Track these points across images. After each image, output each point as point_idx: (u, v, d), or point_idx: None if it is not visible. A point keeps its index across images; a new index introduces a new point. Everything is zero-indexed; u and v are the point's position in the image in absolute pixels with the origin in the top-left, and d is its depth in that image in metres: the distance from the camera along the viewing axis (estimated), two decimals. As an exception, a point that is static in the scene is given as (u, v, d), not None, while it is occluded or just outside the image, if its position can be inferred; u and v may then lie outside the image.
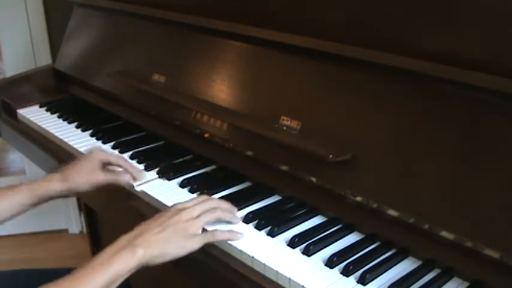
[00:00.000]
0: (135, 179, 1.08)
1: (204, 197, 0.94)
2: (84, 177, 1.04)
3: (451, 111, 0.84)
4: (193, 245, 0.84)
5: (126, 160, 1.12)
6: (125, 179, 1.07)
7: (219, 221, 0.91)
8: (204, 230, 0.88)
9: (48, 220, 2.49)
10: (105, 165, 1.08)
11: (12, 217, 1.02)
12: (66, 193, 1.05)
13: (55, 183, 1.03)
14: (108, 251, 0.79)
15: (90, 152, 1.10)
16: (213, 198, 0.95)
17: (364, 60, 0.93)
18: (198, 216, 0.87)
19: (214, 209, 0.90)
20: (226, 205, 0.93)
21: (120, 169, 1.09)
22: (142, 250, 0.79)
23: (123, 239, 0.81)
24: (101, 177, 1.05)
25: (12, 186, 1.03)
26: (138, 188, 1.06)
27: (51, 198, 1.04)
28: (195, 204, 0.89)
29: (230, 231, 0.89)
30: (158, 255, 0.81)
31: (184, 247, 0.83)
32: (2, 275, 1.09)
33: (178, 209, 0.87)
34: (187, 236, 0.84)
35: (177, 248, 0.83)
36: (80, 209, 2.44)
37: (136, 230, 0.83)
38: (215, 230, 0.88)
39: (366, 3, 0.96)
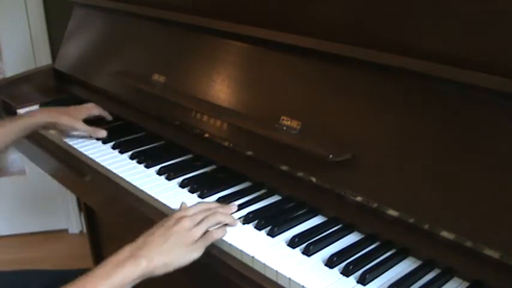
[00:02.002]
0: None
1: (203, 204, 0.94)
2: (69, 120, 1.27)
3: (451, 111, 0.84)
4: (197, 253, 0.85)
5: (101, 109, 1.35)
6: (98, 135, 1.29)
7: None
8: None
9: (48, 220, 2.50)
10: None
11: (7, 147, 1.25)
12: (47, 125, 1.29)
13: (44, 117, 1.26)
14: (111, 261, 0.79)
15: (78, 107, 1.34)
16: (211, 204, 0.95)
17: (364, 60, 0.93)
18: (199, 223, 0.87)
19: (214, 214, 0.90)
20: (224, 209, 0.94)
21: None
22: (145, 261, 0.80)
23: (126, 250, 0.81)
24: (81, 126, 1.29)
25: (9, 120, 1.26)
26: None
27: (37, 127, 1.28)
28: (196, 212, 0.89)
29: (221, 227, 0.90)
30: (162, 266, 0.82)
31: (188, 256, 0.84)
32: (2, 275, 1.10)
33: (179, 217, 0.87)
34: (190, 245, 0.85)
35: (180, 257, 0.84)
36: (80, 209, 2.44)
37: (139, 241, 0.83)
38: (211, 231, 0.88)
39: (366, 3, 0.96)
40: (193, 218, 0.87)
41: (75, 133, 1.31)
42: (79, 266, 0.80)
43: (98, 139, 1.30)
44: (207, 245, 0.87)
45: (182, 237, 0.84)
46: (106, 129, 1.35)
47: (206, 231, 0.88)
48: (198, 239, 0.86)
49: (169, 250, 0.83)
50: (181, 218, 0.87)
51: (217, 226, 0.90)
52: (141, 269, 0.79)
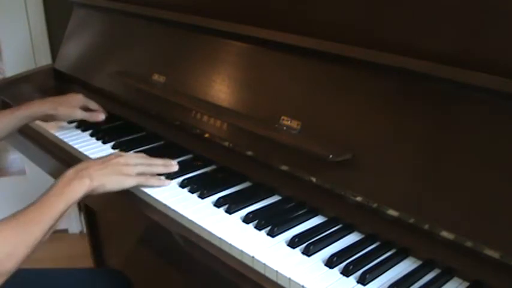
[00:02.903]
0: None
1: (142, 154, 1.10)
2: (66, 110, 1.32)
3: (451, 111, 0.84)
4: (128, 182, 1.01)
5: (101, 109, 1.38)
6: (97, 118, 1.34)
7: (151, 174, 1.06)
8: None
9: (48, 220, 2.49)
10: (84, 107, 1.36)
11: (4, 137, 1.30)
12: (46, 118, 1.32)
13: (43, 107, 1.30)
14: (60, 183, 0.93)
15: (75, 94, 1.37)
16: (154, 158, 1.09)
17: (364, 60, 0.93)
18: (135, 164, 1.03)
19: (149, 164, 1.06)
20: (161, 161, 1.09)
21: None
22: (88, 180, 0.95)
23: (70, 173, 0.95)
24: (78, 113, 1.33)
25: (9, 111, 1.29)
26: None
27: (35, 119, 1.32)
28: (133, 156, 1.07)
29: (158, 178, 1.06)
30: (99, 186, 0.96)
31: (120, 183, 1.00)
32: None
33: (117, 154, 1.07)
34: (123, 175, 1.00)
35: (114, 182, 0.99)
36: (80, 209, 2.44)
37: (82, 165, 0.98)
38: (147, 176, 1.04)
39: (366, 3, 0.96)
40: (130, 157, 1.05)
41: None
42: (79, 266, 0.81)
43: (98, 140, 1.30)
44: (140, 183, 1.02)
45: (118, 168, 1.00)
46: (106, 129, 1.36)
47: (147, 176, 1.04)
48: (133, 174, 1.01)
49: (106, 174, 0.98)
50: (120, 155, 1.05)
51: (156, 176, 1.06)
52: (85, 186, 0.94)
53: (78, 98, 1.37)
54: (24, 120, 1.30)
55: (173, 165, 1.10)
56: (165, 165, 1.09)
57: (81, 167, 0.98)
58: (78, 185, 0.94)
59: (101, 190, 0.98)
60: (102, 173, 0.98)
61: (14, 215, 0.87)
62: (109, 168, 1.00)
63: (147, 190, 1.05)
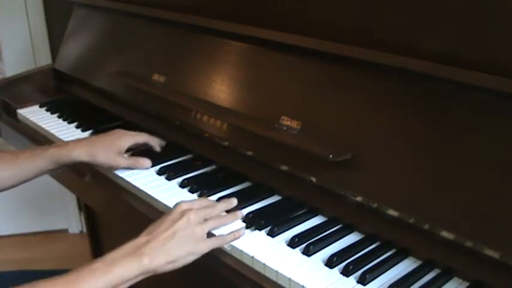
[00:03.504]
0: (156, 147, 1.16)
1: (208, 200, 0.94)
2: (108, 158, 1.08)
3: (451, 111, 0.84)
4: (202, 250, 0.84)
5: (151, 136, 1.17)
6: (143, 165, 1.11)
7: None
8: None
9: (48, 220, 2.50)
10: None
11: (32, 179, 1.10)
12: (82, 164, 1.09)
13: (80, 155, 1.07)
14: (111, 256, 0.77)
15: (121, 133, 1.13)
16: (216, 202, 0.95)
17: (364, 60, 0.93)
18: (206, 220, 0.86)
19: (219, 217, 0.90)
20: (225, 204, 0.94)
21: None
22: (148, 259, 0.78)
23: (128, 247, 0.79)
24: (121, 162, 1.09)
25: (35, 151, 1.08)
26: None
27: (68, 165, 1.09)
28: (201, 207, 0.88)
29: (232, 232, 0.89)
30: (165, 264, 0.80)
31: (193, 253, 0.83)
32: (2, 275, 1.10)
33: (183, 210, 0.85)
34: (195, 241, 0.83)
35: (185, 254, 0.82)
36: (80, 209, 2.44)
37: (142, 238, 0.81)
38: (222, 236, 0.88)
39: (366, 3, 0.96)
40: (198, 212, 0.86)
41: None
42: (79, 266, 0.80)
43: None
44: (215, 247, 0.86)
45: (188, 233, 0.82)
46: (106, 129, 1.35)
47: (221, 235, 0.88)
48: (205, 236, 0.85)
49: (175, 247, 0.80)
50: (187, 211, 0.85)
51: (228, 232, 0.89)
52: (143, 266, 0.77)
53: (123, 140, 1.12)
54: (59, 164, 1.08)
55: (234, 203, 0.95)
56: (232, 216, 0.92)
57: (142, 241, 0.80)
58: (133, 264, 0.76)
59: (170, 268, 0.81)
60: (169, 247, 0.80)
61: (36, 285, 0.73)
62: (178, 236, 0.81)
63: (146, 190, 1.05)
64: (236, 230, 0.89)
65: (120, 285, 0.76)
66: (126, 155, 1.13)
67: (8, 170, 1.07)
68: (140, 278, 0.79)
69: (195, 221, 0.84)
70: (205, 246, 0.84)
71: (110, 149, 1.09)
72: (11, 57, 2.23)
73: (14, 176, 1.08)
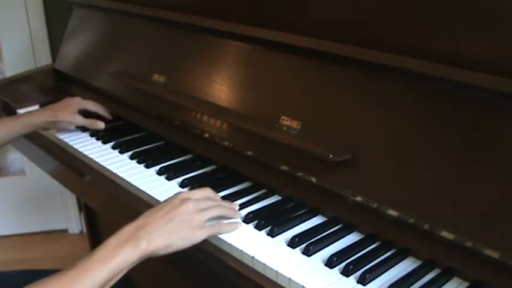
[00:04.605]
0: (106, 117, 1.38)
1: (208, 189, 0.94)
2: (67, 116, 1.32)
3: (451, 111, 0.84)
4: (198, 237, 0.84)
5: (100, 106, 1.40)
6: (98, 125, 1.33)
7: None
8: None
9: (48, 220, 2.50)
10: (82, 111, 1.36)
11: (6, 144, 1.31)
12: (47, 126, 1.33)
13: (45, 117, 1.30)
14: (110, 244, 0.78)
15: (74, 98, 1.38)
16: (216, 195, 0.95)
17: (364, 60, 0.93)
18: (204, 209, 0.86)
19: (219, 205, 0.91)
20: (228, 204, 0.95)
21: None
22: (145, 243, 0.78)
23: (126, 231, 0.80)
24: (79, 120, 1.33)
25: (6, 119, 1.31)
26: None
27: (36, 128, 1.32)
28: (200, 197, 0.89)
29: (229, 223, 0.90)
30: (162, 247, 0.80)
31: (189, 239, 0.83)
32: (2, 275, 1.10)
33: (183, 198, 0.86)
34: (192, 228, 0.83)
35: (181, 240, 0.82)
36: (80, 209, 2.44)
37: (140, 221, 0.81)
38: (219, 223, 0.89)
39: (366, 3, 0.96)
40: (198, 202, 0.87)
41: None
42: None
43: (98, 140, 1.30)
44: (212, 234, 0.87)
45: (185, 219, 0.83)
46: (106, 129, 1.36)
47: (218, 223, 0.89)
48: (203, 224, 0.85)
49: (172, 231, 0.81)
50: (186, 199, 0.85)
51: (226, 221, 0.91)
52: (140, 250, 0.78)
53: (75, 102, 1.36)
54: (25, 129, 1.30)
55: (236, 209, 0.96)
56: (233, 209, 0.94)
57: (138, 225, 0.81)
58: (131, 250, 0.77)
59: (164, 252, 0.81)
60: (167, 230, 0.81)
61: (40, 283, 0.73)
62: (175, 221, 0.82)
63: (146, 190, 1.05)
64: (234, 222, 0.90)
65: (121, 272, 0.77)
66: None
67: None
68: (138, 261, 0.79)
69: (194, 209, 0.85)
70: (202, 233, 0.84)
71: (67, 109, 1.33)
72: (11, 57, 2.23)
73: None
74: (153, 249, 0.79)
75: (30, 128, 1.31)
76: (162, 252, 0.81)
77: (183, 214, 0.83)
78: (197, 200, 0.87)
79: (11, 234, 2.47)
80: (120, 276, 0.77)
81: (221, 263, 0.87)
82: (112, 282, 0.77)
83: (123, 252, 0.77)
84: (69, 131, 1.37)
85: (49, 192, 2.39)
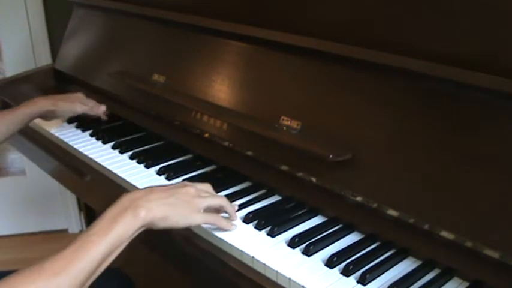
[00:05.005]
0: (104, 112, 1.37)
1: (209, 185, 0.94)
2: (67, 105, 1.33)
3: (451, 111, 0.84)
4: (195, 220, 0.84)
5: (97, 105, 1.38)
6: (100, 109, 1.36)
7: (220, 212, 0.92)
8: None
9: (48, 220, 2.50)
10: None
11: (7, 137, 1.28)
12: (47, 114, 1.31)
13: (45, 105, 1.30)
14: (109, 214, 0.76)
15: (72, 93, 1.39)
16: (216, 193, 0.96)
17: (364, 60, 0.93)
18: (204, 197, 0.87)
19: (218, 197, 0.92)
20: (227, 201, 0.94)
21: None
22: (144, 211, 0.77)
23: (125, 200, 0.78)
24: (78, 108, 1.34)
25: (4, 112, 1.28)
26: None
27: (36, 116, 1.30)
28: (202, 188, 0.90)
29: (227, 220, 0.91)
30: (160, 217, 0.79)
31: (186, 218, 0.83)
32: (2, 275, 1.09)
33: (187, 184, 0.88)
34: (191, 209, 0.84)
35: (178, 216, 0.82)
36: (80, 209, 2.44)
37: (140, 192, 0.81)
38: (218, 215, 0.90)
39: (366, 3, 0.96)
40: (200, 189, 0.88)
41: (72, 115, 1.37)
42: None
43: (98, 140, 1.30)
44: (209, 222, 0.87)
45: (186, 200, 0.83)
46: (106, 129, 1.36)
47: (217, 215, 0.90)
48: (201, 209, 0.85)
49: (171, 205, 0.81)
50: (189, 185, 0.88)
51: (225, 215, 0.92)
52: (140, 219, 0.76)
53: (77, 95, 1.37)
54: (25, 119, 1.28)
55: (235, 209, 0.96)
56: (232, 207, 0.93)
57: (138, 195, 0.80)
58: (130, 219, 0.76)
59: (162, 224, 0.79)
60: (165, 202, 0.80)
61: (41, 263, 0.69)
62: (175, 198, 0.82)
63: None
64: (231, 222, 0.91)
65: (122, 243, 0.76)
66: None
67: None
68: (138, 232, 0.78)
69: (194, 194, 0.86)
70: (199, 217, 0.85)
71: (66, 99, 1.34)
72: (11, 57, 2.23)
73: None
74: (152, 218, 0.78)
75: (30, 116, 1.29)
76: (161, 224, 0.80)
77: (184, 194, 0.84)
78: (200, 188, 0.89)
79: (11, 234, 2.47)
80: (119, 250, 0.76)
81: (221, 263, 0.87)
82: (112, 257, 0.75)
83: (122, 221, 0.75)
84: (69, 130, 1.37)
85: (49, 192, 2.39)
